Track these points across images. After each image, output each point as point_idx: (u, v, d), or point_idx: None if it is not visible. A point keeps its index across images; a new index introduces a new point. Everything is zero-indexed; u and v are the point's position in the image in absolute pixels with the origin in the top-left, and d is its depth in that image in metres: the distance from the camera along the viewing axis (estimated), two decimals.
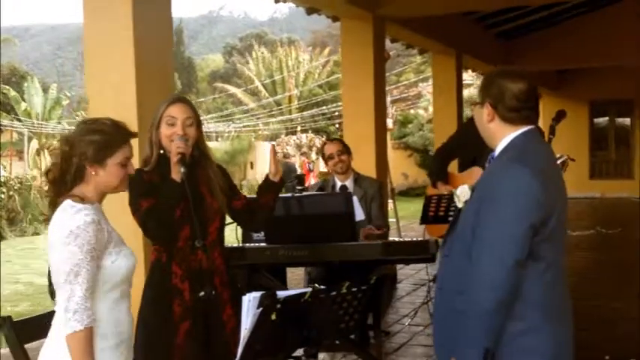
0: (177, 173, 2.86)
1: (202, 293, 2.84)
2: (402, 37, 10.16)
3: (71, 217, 2.29)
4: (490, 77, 2.44)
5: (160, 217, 2.88)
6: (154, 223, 2.90)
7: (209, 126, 35.04)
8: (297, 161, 25.85)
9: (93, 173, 2.37)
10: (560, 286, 2.36)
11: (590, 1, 11.63)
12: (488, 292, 2.21)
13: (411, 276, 7.98)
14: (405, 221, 12.12)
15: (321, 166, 23.56)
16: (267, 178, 3.15)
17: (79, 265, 2.24)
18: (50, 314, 2.54)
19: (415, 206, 18.03)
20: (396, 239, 5.37)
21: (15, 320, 2.68)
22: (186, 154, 2.88)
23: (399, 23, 8.57)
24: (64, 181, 2.37)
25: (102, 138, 2.36)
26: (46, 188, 2.49)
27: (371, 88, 7.62)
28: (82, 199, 2.35)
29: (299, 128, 33.10)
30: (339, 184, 4.92)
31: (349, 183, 4.89)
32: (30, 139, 29.87)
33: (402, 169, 23.88)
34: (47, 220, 2.42)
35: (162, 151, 2.98)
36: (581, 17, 12.93)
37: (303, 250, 4.19)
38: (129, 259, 2.42)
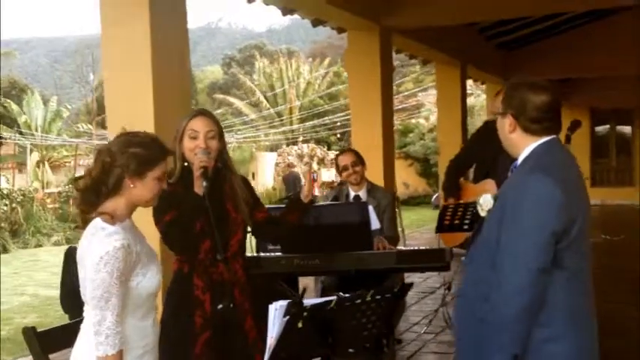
0: (199, 187, 2.90)
1: (220, 306, 2.88)
2: (407, 48, 10.22)
3: (101, 241, 2.30)
4: (512, 88, 2.46)
5: (182, 230, 2.92)
6: (175, 235, 2.95)
7: None
8: (300, 171, 25.84)
9: (131, 185, 2.39)
10: (585, 293, 2.40)
11: (590, 11, 11.70)
12: (513, 299, 2.25)
13: (418, 284, 7.99)
14: (408, 230, 12.13)
15: (324, 176, 23.60)
16: (297, 197, 3.25)
17: (110, 292, 2.26)
18: (72, 325, 2.58)
19: (416, 215, 18.05)
20: (405, 248, 5.39)
21: (39, 331, 2.72)
22: (208, 167, 2.93)
23: (404, 34, 8.64)
24: (98, 191, 2.37)
25: (144, 152, 2.39)
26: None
27: (378, 98, 7.68)
28: (112, 217, 2.36)
29: (300, 138, 33.13)
30: (352, 194, 4.92)
31: (363, 193, 4.88)
32: (31, 151, 29.85)
33: (403, 178, 23.86)
34: (78, 228, 2.45)
35: (185, 164, 3.02)
36: (582, 28, 13.01)
37: (318, 259, 4.21)
38: (154, 278, 2.44)
